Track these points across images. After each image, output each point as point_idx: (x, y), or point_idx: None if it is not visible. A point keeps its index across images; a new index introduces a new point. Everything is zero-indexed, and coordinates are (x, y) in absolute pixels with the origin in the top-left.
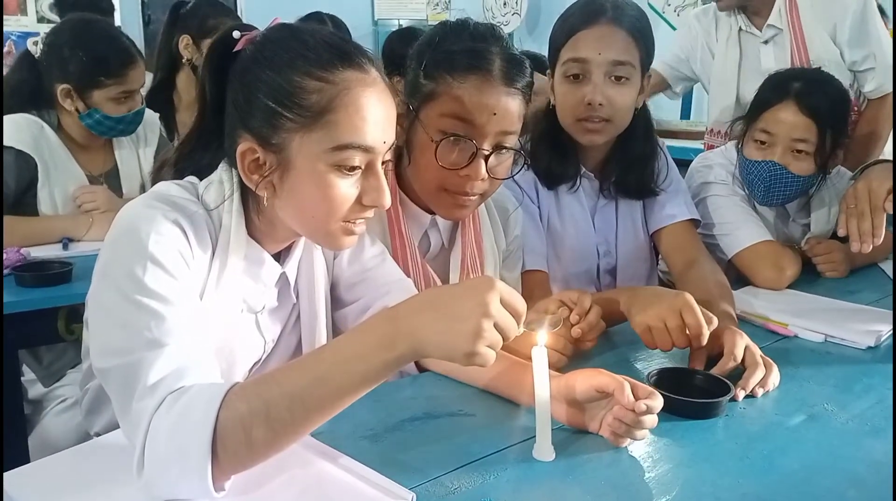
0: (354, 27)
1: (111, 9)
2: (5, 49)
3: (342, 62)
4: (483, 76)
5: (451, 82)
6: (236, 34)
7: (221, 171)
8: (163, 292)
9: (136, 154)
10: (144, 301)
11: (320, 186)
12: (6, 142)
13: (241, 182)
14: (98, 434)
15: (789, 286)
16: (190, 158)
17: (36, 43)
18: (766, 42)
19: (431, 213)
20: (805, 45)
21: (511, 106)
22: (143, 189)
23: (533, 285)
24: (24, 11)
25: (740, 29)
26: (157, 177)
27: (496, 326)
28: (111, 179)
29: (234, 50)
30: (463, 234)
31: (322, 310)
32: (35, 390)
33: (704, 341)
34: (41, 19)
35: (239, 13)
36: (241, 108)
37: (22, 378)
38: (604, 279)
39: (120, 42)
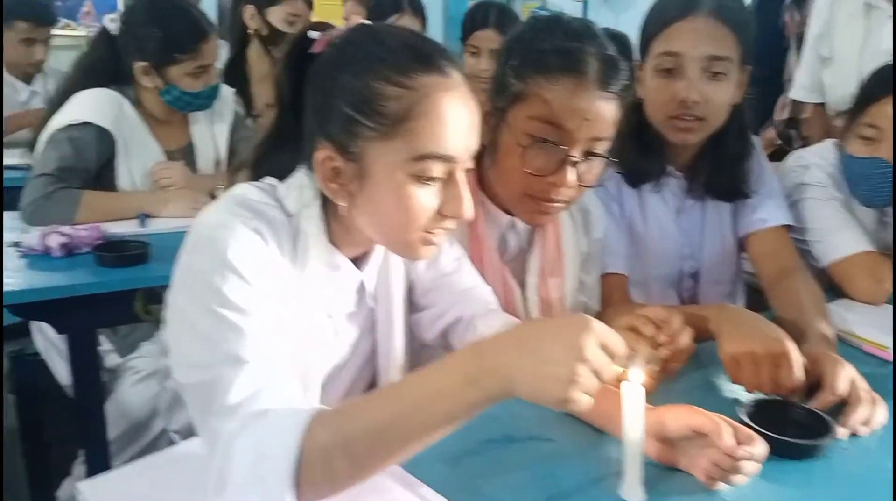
0: None
1: None
2: (84, 9)
3: (422, 66)
4: (576, 79)
5: (541, 84)
6: (314, 35)
7: (302, 174)
8: (242, 304)
9: (210, 130)
10: (223, 313)
11: (399, 197)
12: (88, 118)
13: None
14: (176, 432)
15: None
16: (267, 160)
17: (113, 20)
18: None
19: (510, 214)
20: None
21: (605, 111)
22: (217, 165)
23: (612, 290)
24: None
25: (865, 2)
26: (233, 178)
27: (591, 370)
28: (187, 155)
29: (313, 52)
30: (543, 236)
31: (398, 315)
32: (111, 359)
33: (794, 398)
34: None
35: None
36: (320, 113)
37: (99, 348)
38: (685, 283)
39: (191, 16)
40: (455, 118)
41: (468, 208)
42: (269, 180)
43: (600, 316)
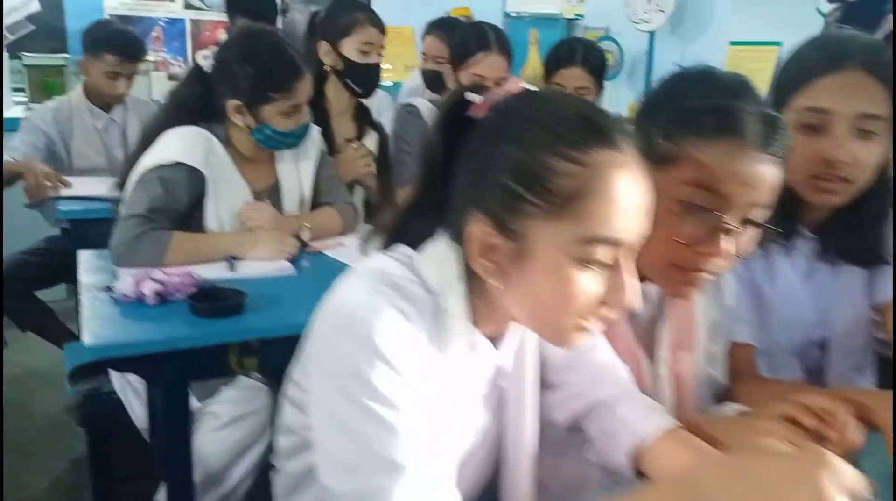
0: (485, 19)
1: (274, 11)
2: (153, 34)
3: (597, 140)
4: (735, 140)
5: (696, 145)
6: (473, 98)
7: (444, 246)
8: (392, 397)
9: (296, 168)
10: (373, 407)
11: (559, 280)
12: (179, 158)
13: (466, 261)
14: None
15: None
16: (406, 226)
17: (206, 58)
18: None
19: (641, 280)
20: None
21: (766, 175)
22: (301, 204)
23: (739, 362)
24: None
25: None
26: (370, 242)
27: None
28: (272, 194)
29: (471, 115)
30: (675, 305)
31: (531, 400)
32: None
33: None
34: (188, 6)
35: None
36: (477, 184)
37: None
38: (812, 353)
39: (286, 55)
40: (629, 199)
41: (634, 298)
42: (405, 250)
43: (729, 392)
